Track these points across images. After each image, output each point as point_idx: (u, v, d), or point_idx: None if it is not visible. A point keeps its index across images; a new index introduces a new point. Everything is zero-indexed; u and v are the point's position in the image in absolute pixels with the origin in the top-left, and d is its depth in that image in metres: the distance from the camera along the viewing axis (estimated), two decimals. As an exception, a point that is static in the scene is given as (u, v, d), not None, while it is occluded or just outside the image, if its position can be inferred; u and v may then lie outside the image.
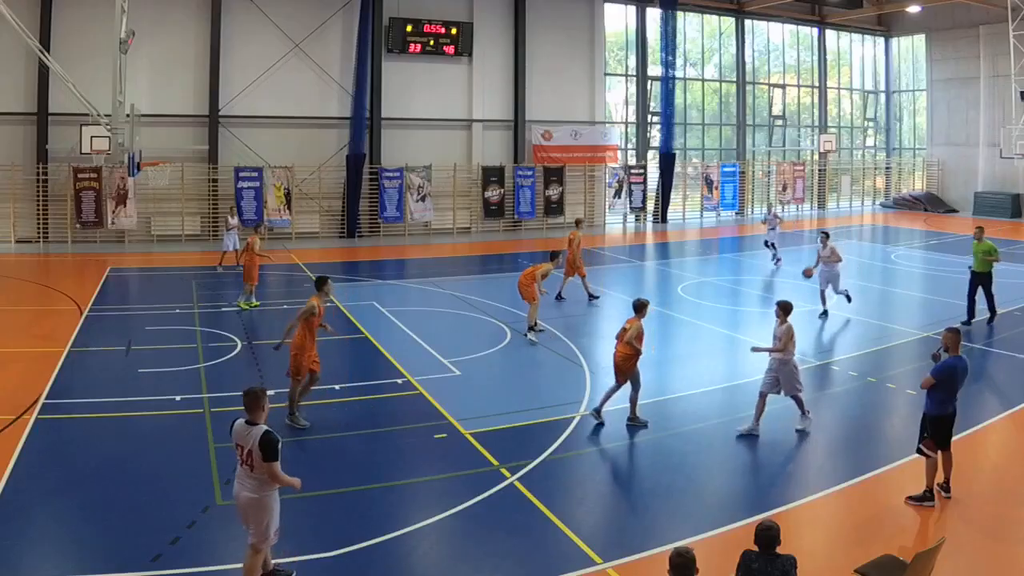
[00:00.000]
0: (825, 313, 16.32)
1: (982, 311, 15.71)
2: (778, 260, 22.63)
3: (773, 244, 22.82)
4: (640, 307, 10.42)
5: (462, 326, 15.65)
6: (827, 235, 16.84)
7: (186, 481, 8.42)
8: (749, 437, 9.88)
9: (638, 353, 10.14)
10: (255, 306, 16.55)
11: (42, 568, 6.79)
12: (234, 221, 20.95)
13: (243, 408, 6.34)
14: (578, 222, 19.27)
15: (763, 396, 10.05)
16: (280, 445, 6.18)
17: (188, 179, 25.46)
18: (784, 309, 10.30)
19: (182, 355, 13.07)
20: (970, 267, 15.96)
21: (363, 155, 27.30)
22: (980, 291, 15.67)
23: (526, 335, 14.33)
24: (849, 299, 16.73)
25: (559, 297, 17.73)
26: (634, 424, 10.21)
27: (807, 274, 16.70)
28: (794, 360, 10.14)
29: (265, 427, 6.19)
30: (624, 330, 10.24)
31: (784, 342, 9.98)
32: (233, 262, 19.61)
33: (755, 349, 10.55)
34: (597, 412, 10.30)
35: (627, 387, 10.29)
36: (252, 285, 16.62)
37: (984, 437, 10.09)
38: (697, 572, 4.87)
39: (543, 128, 30.79)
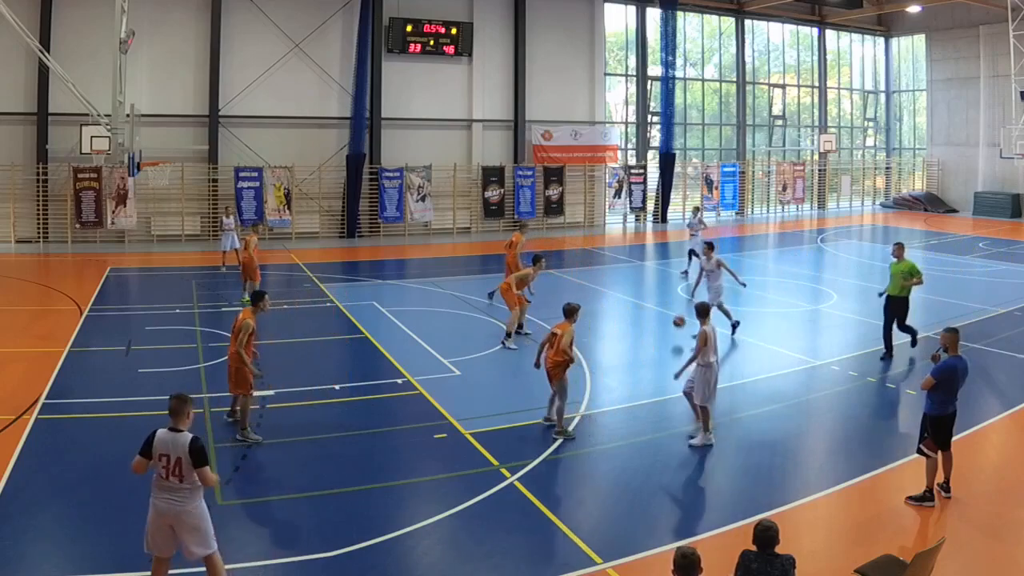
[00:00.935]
0: (735, 327, 14.38)
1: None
2: (686, 272, 20.56)
3: (696, 253, 19.96)
4: (570, 312, 10.12)
5: (462, 326, 15.65)
6: (711, 246, 15.28)
7: (186, 481, 8.41)
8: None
9: (570, 360, 9.88)
10: None
11: (42, 568, 6.80)
12: (229, 221, 20.87)
13: (171, 414, 6.13)
14: (522, 226, 17.99)
15: (688, 395, 9.78)
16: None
17: (188, 179, 25.45)
18: (699, 312, 9.96)
19: (182, 355, 13.07)
20: (880, 293, 13.77)
21: (363, 155, 27.31)
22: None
23: (503, 343, 13.82)
24: (733, 321, 14.38)
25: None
26: (562, 435, 9.75)
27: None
28: (714, 367, 9.62)
29: (191, 434, 6.00)
30: (554, 335, 9.92)
31: (698, 346, 9.58)
32: (235, 262, 19.64)
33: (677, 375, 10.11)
34: (548, 419, 10.06)
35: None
36: (255, 284, 16.56)
37: (984, 437, 10.09)
38: (701, 572, 4.87)
39: (543, 128, 30.79)
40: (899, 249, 13.56)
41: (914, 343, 13.42)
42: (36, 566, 6.81)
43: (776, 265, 23.81)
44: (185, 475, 5.88)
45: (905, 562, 6.14)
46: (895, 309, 13.26)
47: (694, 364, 9.67)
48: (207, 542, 6.03)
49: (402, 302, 17.66)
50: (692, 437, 9.70)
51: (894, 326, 13.27)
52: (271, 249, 24.48)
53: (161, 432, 6.02)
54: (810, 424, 10.73)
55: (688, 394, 9.75)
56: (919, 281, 13.20)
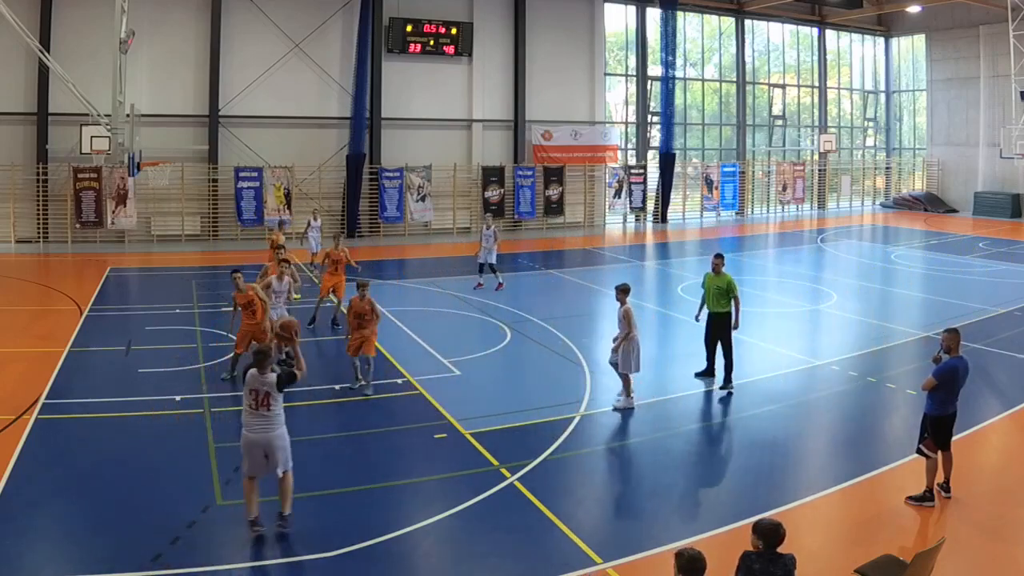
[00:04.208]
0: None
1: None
2: (479, 285, 18.75)
3: (491, 267, 18.69)
4: (361, 286, 11.56)
5: (462, 326, 15.64)
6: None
7: (186, 481, 8.43)
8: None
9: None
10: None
11: (42, 568, 6.79)
12: (317, 224, 20.51)
13: (257, 368, 7.40)
14: (336, 237, 16.44)
15: (614, 366, 10.89)
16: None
17: (188, 179, 25.46)
18: (623, 291, 10.87)
19: (182, 355, 13.06)
20: (697, 317, 12.18)
21: (363, 155, 27.31)
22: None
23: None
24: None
25: (313, 321, 15.30)
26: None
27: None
28: (636, 340, 10.68)
29: (274, 373, 7.39)
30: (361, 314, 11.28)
31: (627, 323, 10.60)
32: (320, 260, 19.45)
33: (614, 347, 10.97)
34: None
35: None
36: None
37: (984, 437, 10.09)
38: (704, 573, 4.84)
39: (543, 128, 30.79)
40: (718, 262, 11.88)
41: (726, 383, 11.61)
42: (36, 566, 6.81)
43: (776, 265, 23.81)
44: (272, 405, 7.30)
45: (905, 562, 6.14)
46: (717, 327, 11.72)
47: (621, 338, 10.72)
48: (288, 459, 7.45)
49: (402, 302, 17.64)
50: (617, 402, 10.80)
51: (718, 346, 11.79)
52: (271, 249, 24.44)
53: (251, 371, 7.40)
54: (810, 424, 10.72)
55: (614, 364, 10.85)
56: (735, 297, 11.66)
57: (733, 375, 11.73)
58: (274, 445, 7.30)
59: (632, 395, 10.83)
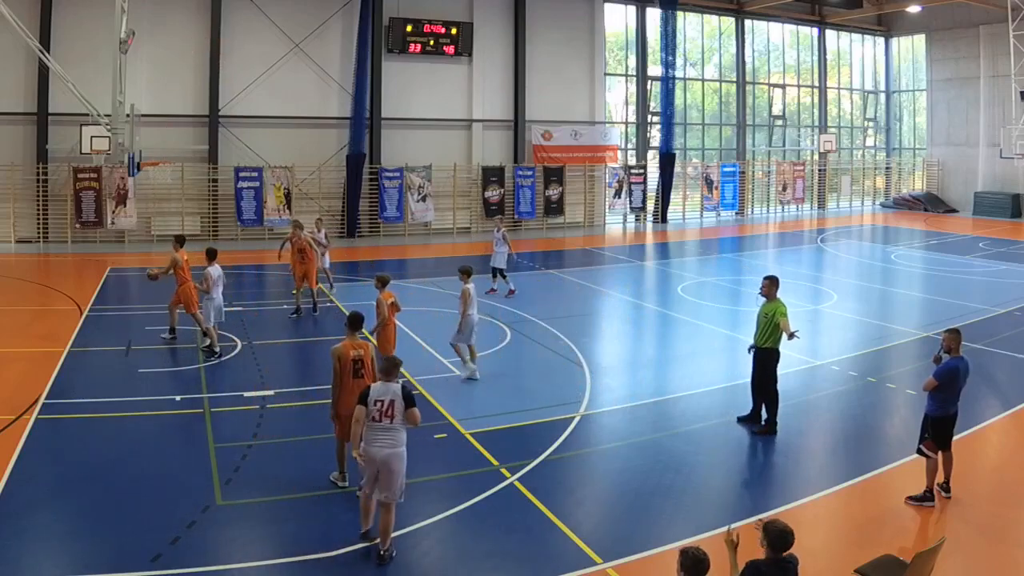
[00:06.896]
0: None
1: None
2: (511, 291, 18.24)
3: (501, 272, 18.29)
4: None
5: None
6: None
7: (186, 481, 8.43)
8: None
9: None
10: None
11: (42, 568, 6.79)
12: (321, 235, 18.51)
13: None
14: (295, 223, 16.50)
15: (455, 346, 12.05)
16: None
17: (188, 179, 25.46)
18: (464, 272, 12.15)
19: (182, 355, 13.07)
20: (750, 348, 10.50)
21: (363, 155, 27.31)
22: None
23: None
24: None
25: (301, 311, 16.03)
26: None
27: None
28: (470, 318, 11.80)
29: (401, 381, 7.34)
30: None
31: (463, 301, 11.82)
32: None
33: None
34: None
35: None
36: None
37: (984, 437, 10.09)
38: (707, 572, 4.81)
39: (543, 128, 30.78)
40: (769, 285, 10.31)
41: (766, 425, 10.09)
42: (36, 566, 6.81)
43: (776, 265, 23.79)
44: (395, 415, 7.02)
45: (905, 562, 6.14)
46: (760, 362, 10.27)
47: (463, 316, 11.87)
48: (397, 489, 7.04)
49: (402, 302, 17.52)
50: (462, 372, 12.01)
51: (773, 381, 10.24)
52: (272, 249, 24.44)
53: (375, 385, 7.22)
54: (810, 424, 10.72)
55: (454, 345, 12.06)
56: (786, 328, 9.95)
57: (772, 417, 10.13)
58: (389, 466, 6.91)
59: (473, 363, 11.96)
